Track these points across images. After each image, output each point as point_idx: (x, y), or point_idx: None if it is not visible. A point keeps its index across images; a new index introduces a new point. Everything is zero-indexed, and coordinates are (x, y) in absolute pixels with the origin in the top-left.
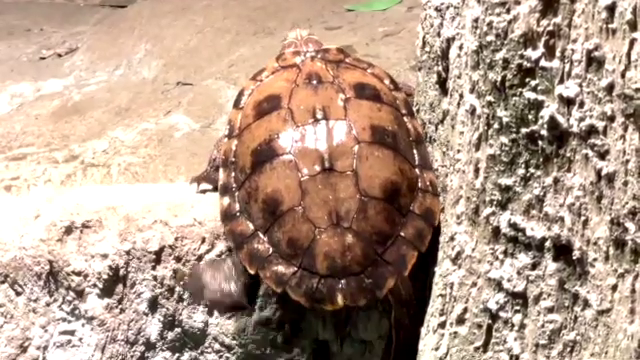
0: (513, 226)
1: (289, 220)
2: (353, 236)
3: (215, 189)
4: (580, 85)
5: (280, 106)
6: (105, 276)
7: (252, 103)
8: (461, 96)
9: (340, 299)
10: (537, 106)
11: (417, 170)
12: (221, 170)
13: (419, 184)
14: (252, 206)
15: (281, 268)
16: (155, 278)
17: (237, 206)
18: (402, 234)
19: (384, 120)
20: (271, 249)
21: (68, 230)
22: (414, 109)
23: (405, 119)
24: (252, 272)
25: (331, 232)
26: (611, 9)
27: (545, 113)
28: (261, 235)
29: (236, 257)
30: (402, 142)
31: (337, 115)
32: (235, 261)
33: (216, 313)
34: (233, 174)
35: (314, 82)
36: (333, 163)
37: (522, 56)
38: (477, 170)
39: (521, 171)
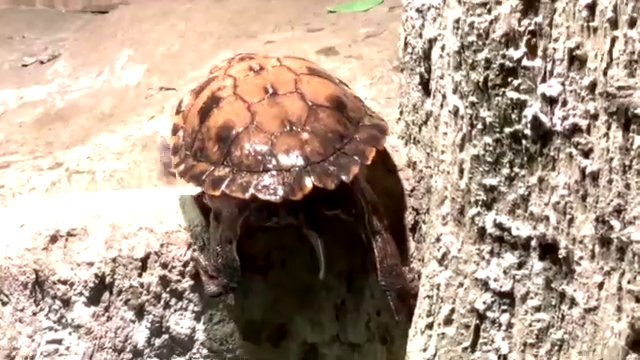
0: (499, 226)
1: (244, 137)
2: (309, 133)
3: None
4: (563, 84)
5: (218, 77)
6: (91, 284)
7: (193, 96)
8: (444, 97)
9: (308, 181)
10: (520, 106)
11: (361, 104)
12: (172, 158)
13: (365, 111)
14: (207, 146)
15: (245, 178)
16: (141, 285)
17: (192, 159)
18: (357, 137)
19: (320, 71)
20: (232, 169)
21: (53, 239)
22: (398, 110)
23: (341, 85)
24: (217, 194)
25: (287, 134)
26: (592, 7)
27: (528, 112)
28: (220, 167)
29: (212, 230)
30: (340, 87)
31: (273, 64)
32: (211, 235)
33: (203, 319)
34: (183, 147)
35: (246, 59)
36: (276, 89)
37: (504, 56)
38: (462, 171)
39: (505, 171)
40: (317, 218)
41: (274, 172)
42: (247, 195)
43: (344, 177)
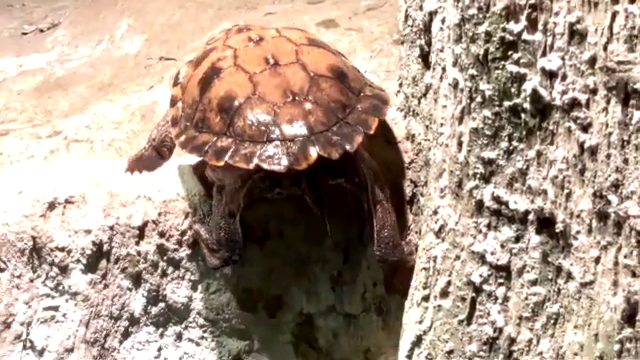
0: (496, 199)
1: (247, 107)
2: (312, 103)
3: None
4: (562, 58)
5: (217, 48)
6: (89, 252)
7: (191, 67)
8: (444, 70)
9: (313, 151)
10: (520, 79)
11: (360, 75)
12: (172, 129)
13: (365, 81)
14: (209, 117)
15: (249, 148)
16: (139, 253)
17: (194, 131)
18: (359, 107)
19: (318, 41)
20: (235, 140)
21: (51, 206)
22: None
23: (340, 56)
24: (220, 164)
25: (290, 105)
26: None
27: (528, 86)
28: (223, 137)
29: (215, 204)
30: (339, 58)
31: (272, 35)
32: (214, 209)
33: (200, 288)
34: (183, 119)
35: (244, 30)
36: (277, 60)
37: (504, 29)
38: (460, 144)
39: (504, 144)
40: (320, 188)
41: (278, 142)
42: (251, 165)
43: (348, 147)
